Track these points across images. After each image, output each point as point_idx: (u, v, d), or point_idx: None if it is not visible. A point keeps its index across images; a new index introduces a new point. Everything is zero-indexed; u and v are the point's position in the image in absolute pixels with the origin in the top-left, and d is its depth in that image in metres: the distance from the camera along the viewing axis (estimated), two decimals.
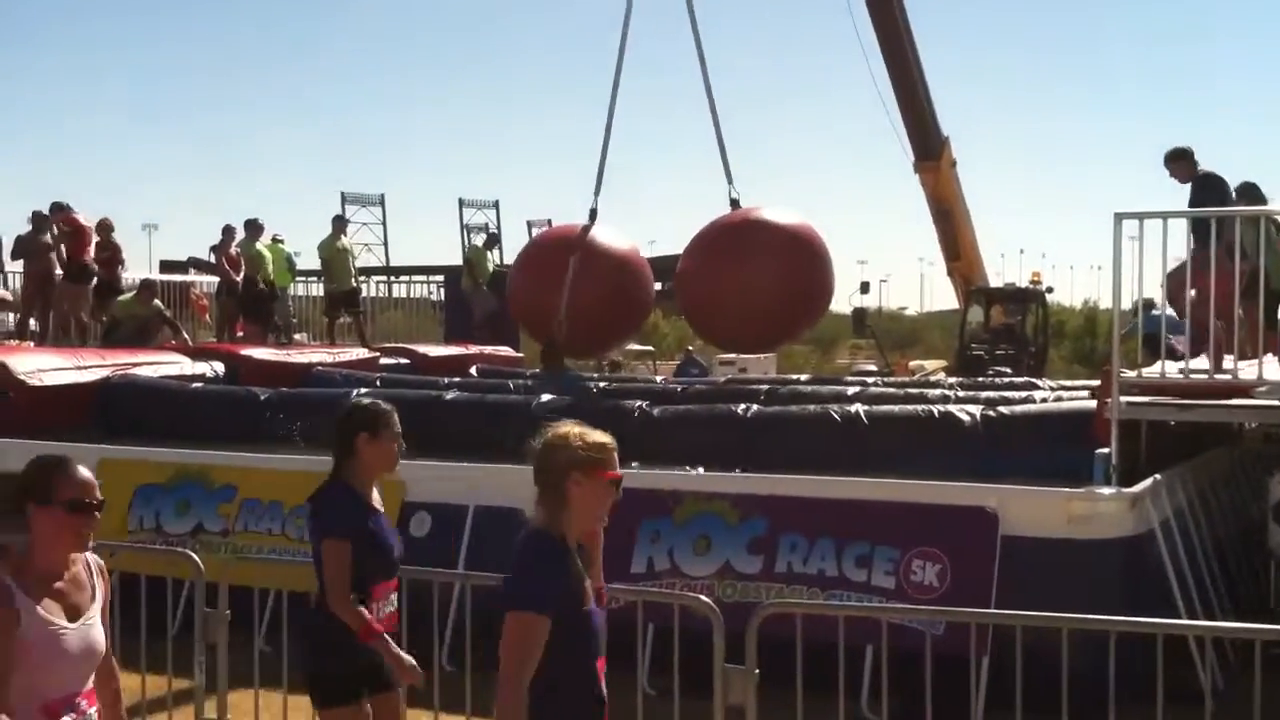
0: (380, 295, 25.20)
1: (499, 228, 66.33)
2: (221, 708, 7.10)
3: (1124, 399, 8.73)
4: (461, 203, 70.58)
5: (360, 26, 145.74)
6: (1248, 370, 9.14)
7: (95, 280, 16.96)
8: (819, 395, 12.66)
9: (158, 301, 17.67)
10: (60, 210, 17.00)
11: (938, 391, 12.85)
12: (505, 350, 19.78)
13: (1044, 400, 11.49)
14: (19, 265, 17.60)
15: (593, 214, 15.86)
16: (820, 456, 9.75)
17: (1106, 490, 8.22)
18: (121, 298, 17.55)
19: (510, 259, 21.25)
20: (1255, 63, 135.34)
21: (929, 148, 24.75)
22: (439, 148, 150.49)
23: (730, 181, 15.78)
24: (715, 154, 15.90)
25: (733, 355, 25.53)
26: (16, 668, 3.52)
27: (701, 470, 9.63)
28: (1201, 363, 9.43)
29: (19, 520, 3.63)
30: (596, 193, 16.03)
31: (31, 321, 17.55)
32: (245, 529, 9.87)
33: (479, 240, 23.39)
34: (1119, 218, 9.03)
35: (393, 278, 30.50)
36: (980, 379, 16.23)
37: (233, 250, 18.74)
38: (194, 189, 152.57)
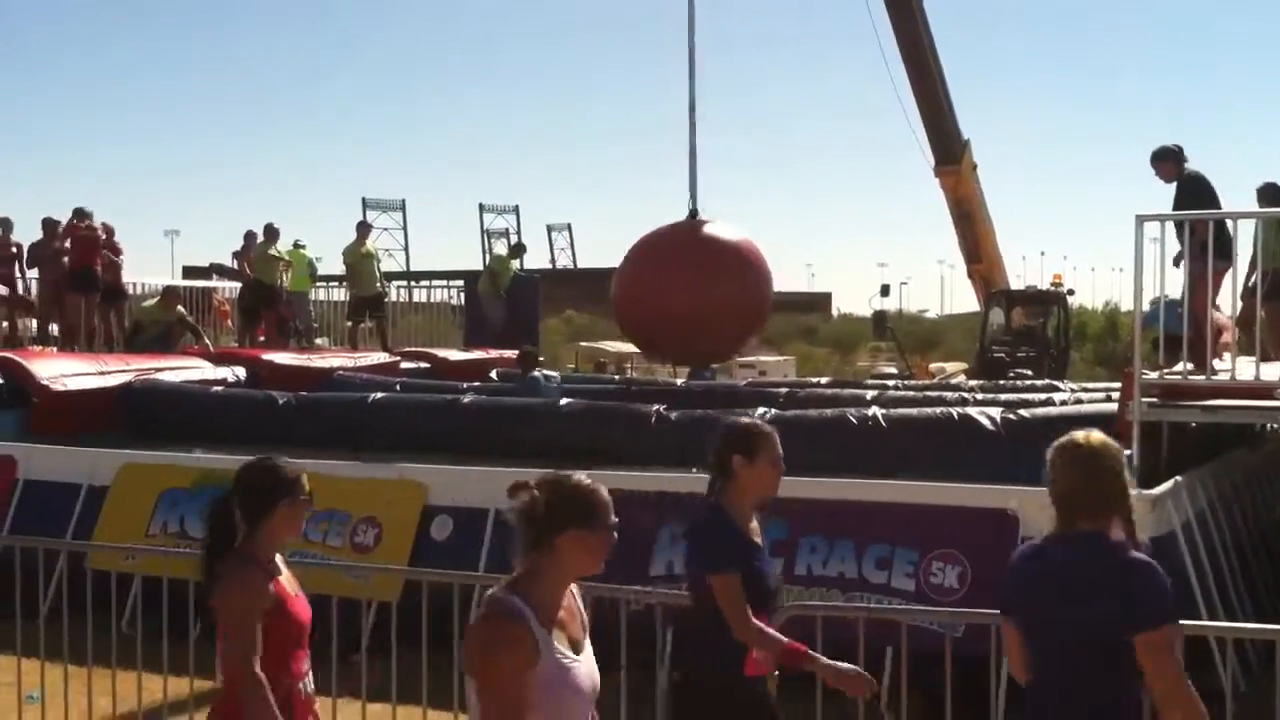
0: (401, 300, 25.28)
1: (519, 232, 66.54)
2: None
3: (1145, 401, 8.70)
4: (482, 207, 70.87)
5: (381, 33, 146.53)
6: (1269, 371, 9.11)
7: (101, 288, 17.13)
8: (839, 398, 12.65)
9: (181, 308, 17.77)
10: (82, 216, 17.11)
11: (958, 394, 12.82)
12: None
13: (1064, 403, 11.45)
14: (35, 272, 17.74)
15: (693, 214, 16.07)
16: (839, 460, 9.75)
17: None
18: (145, 303, 17.65)
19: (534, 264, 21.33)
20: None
21: (950, 151, 24.72)
22: (459, 153, 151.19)
23: (693, 194, 16.05)
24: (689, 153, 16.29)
25: (752, 358, 25.54)
26: (533, 710, 3.13)
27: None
28: (1223, 365, 9.40)
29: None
30: (693, 196, 16.32)
31: (53, 327, 17.66)
32: None
33: (502, 248, 23.41)
34: (1141, 220, 9.00)
35: (413, 282, 30.60)
36: (1001, 381, 16.20)
37: (254, 256, 18.85)
38: (216, 195, 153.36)
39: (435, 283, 28.43)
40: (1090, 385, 14.53)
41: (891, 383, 16.56)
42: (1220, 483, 9.53)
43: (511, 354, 19.15)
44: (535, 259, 68.26)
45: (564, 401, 12.06)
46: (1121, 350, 26.63)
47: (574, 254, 79.39)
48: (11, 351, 14.60)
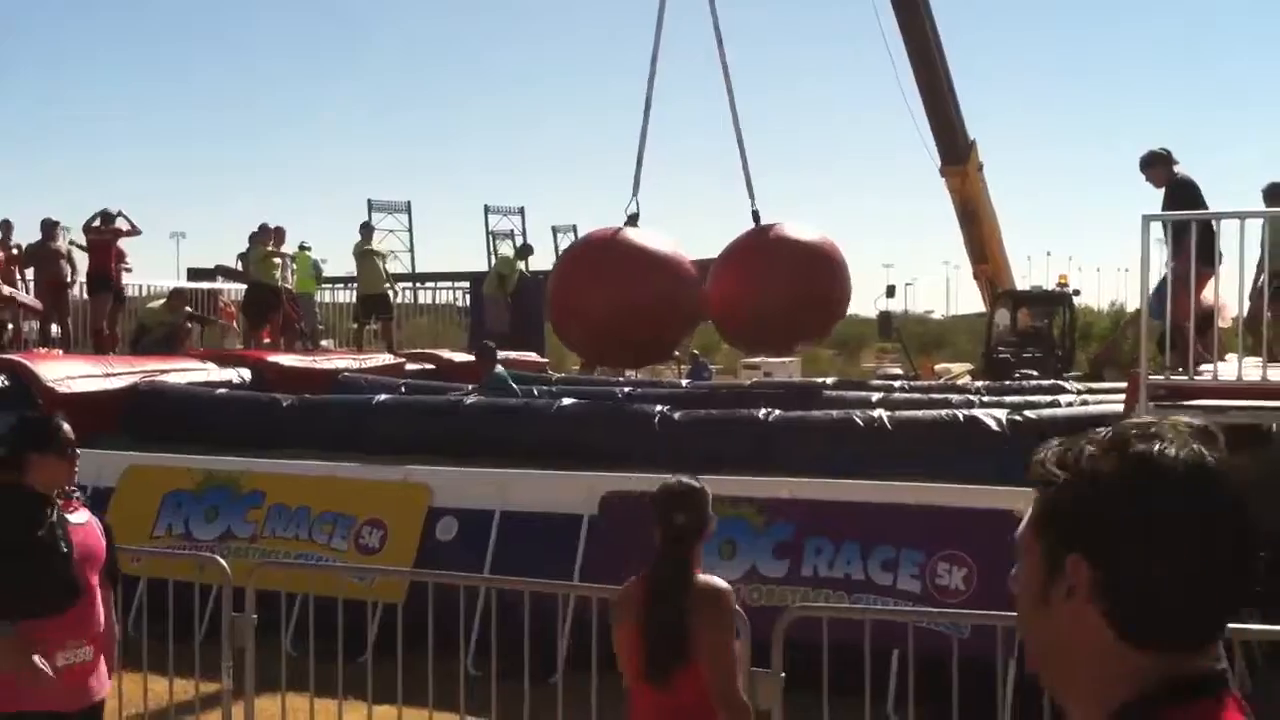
0: (406, 301, 25.30)
1: (524, 233, 66.36)
2: (249, 712, 7.11)
3: (1151, 403, 8.68)
4: (487, 209, 70.66)
5: (385, 35, 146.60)
6: (1277, 372, 9.08)
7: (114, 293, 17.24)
8: (844, 399, 12.64)
9: (188, 308, 17.79)
10: (109, 219, 17.28)
11: (963, 396, 12.79)
12: (531, 355, 19.80)
13: (1070, 404, 11.43)
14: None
15: (632, 218, 15.89)
16: (844, 460, 9.74)
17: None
18: (150, 305, 17.66)
19: (540, 266, 21.26)
20: None
21: (956, 151, 24.63)
22: (465, 154, 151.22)
23: (752, 196, 15.79)
24: (740, 159, 15.96)
25: (757, 359, 25.50)
26: None
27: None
28: (1230, 365, 9.37)
29: None
30: (634, 194, 16.08)
31: (54, 328, 17.69)
32: (273, 534, 9.92)
33: (509, 249, 23.38)
34: (1147, 220, 8.99)
35: (419, 284, 30.61)
36: (1007, 382, 16.16)
37: (250, 257, 18.88)
38: (222, 197, 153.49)
39: (440, 284, 28.45)
40: (1096, 386, 14.48)
41: (897, 383, 16.53)
42: None
43: (516, 356, 19.18)
44: (541, 260, 68.15)
45: (567, 402, 12.05)
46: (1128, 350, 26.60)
47: None
48: (16, 353, 14.60)
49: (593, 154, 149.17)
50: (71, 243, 17.45)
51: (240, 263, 20.42)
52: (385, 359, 17.90)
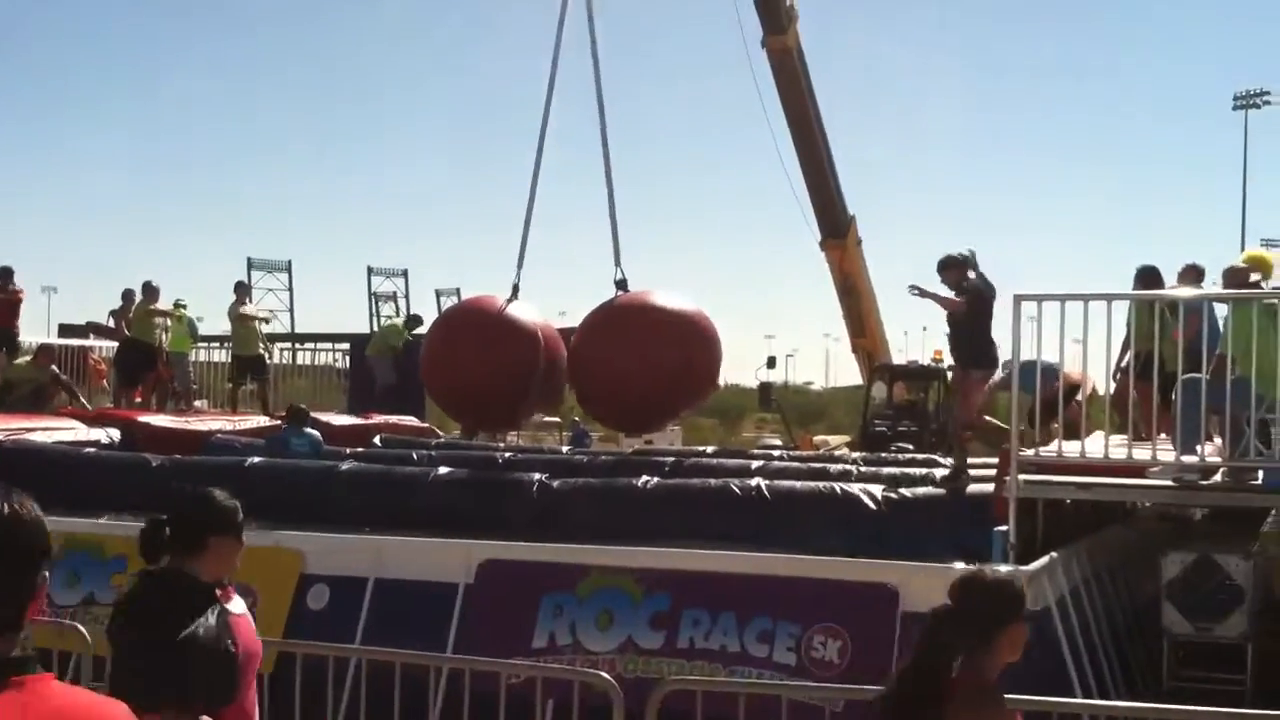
0: (285, 362, 24.91)
1: (407, 295, 65.90)
2: None
3: (1021, 477, 8.85)
4: (370, 270, 70.08)
5: (269, 91, 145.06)
6: (1141, 450, 9.33)
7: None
8: (724, 468, 12.70)
9: (54, 367, 17.35)
10: (8, 276, 16.99)
11: (840, 467, 12.93)
12: (411, 420, 19.61)
13: (944, 477, 11.61)
14: None
15: (515, 289, 15.82)
16: (722, 530, 9.78)
17: (1004, 568, 8.30)
18: (17, 361, 17.20)
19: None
20: (1169, 139, 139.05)
21: (836, 226, 25.07)
22: (348, 215, 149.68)
23: (618, 263, 15.84)
24: (611, 226, 15.99)
25: None
26: None
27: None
28: (1097, 442, 9.60)
29: None
30: (519, 268, 16.02)
31: None
32: None
33: (396, 316, 23.24)
34: (1018, 299, 9.21)
35: (298, 344, 30.17)
36: (883, 455, 16.37)
37: (132, 315, 18.50)
38: (95, 251, 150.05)
39: (321, 345, 28.07)
40: (970, 460, 14.73)
41: (776, 453, 16.67)
42: (1095, 559, 9.70)
43: (399, 420, 18.97)
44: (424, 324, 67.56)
45: (444, 470, 11.94)
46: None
47: None
48: None
49: (477, 218, 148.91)
50: None
51: (113, 319, 19.99)
52: (261, 421, 17.59)
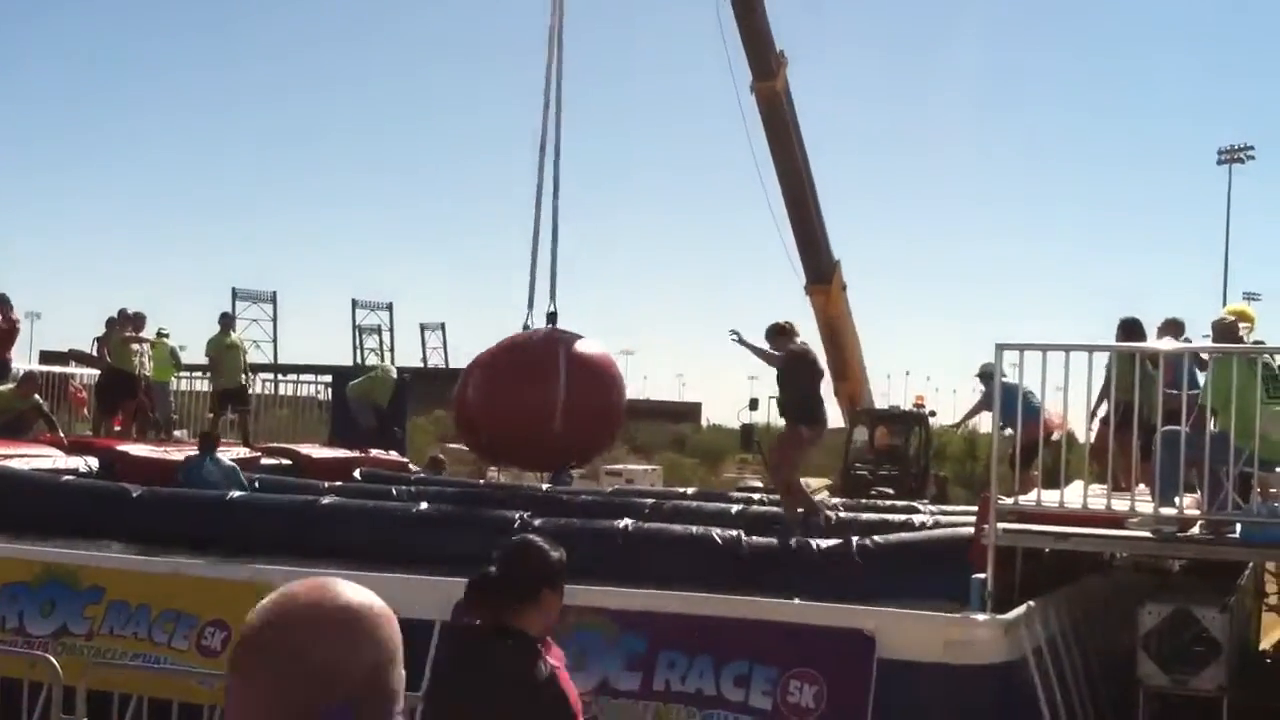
0: (267, 393, 24.87)
1: (391, 329, 65.96)
2: None
3: (1000, 525, 8.86)
4: (355, 303, 70.12)
5: (255, 122, 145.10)
6: (1120, 501, 9.35)
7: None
8: (704, 511, 12.70)
9: (37, 396, 17.30)
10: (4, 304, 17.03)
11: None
12: (393, 455, 19.56)
13: (923, 524, 11.63)
14: None
15: (551, 317, 15.94)
16: (699, 574, 9.76)
17: (981, 616, 8.30)
18: (2, 389, 17.16)
19: (408, 363, 21.09)
20: (1154, 192, 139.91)
21: (821, 270, 25.17)
22: (334, 247, 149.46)
23: (553, 296, 16.01)
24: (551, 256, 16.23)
25: (619, 466, 25.56)
26: None
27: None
28: (1076, 492, 9.62)
29: None
30: (552, 296, 16.18)
31: None
32: (110, 632, 9.55)
33: (394, 369, 23.29)
34: (1000, 348, 9.26)
35: (280, 376, 30.15)
36: (863, 500, 16.37)
37: (111, 342, 18.50)
38: (80, 277, 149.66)
39: (303, 377, 28.05)
40: (948, 508, 14.75)
41: (757, 496, 16.66)
42: (1073, 609, 9.71)
43: (379, 454, 18.93)
44: (407, 358, 67.78)
45: (423, 506, 11.91)
46: (980, 473, 27.17)
47: (446, 353, 78.80)
48: None
49: (463, 253, 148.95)
50: None
51: (96, 347, 19.95)
52: (241, 452, 17.51)
